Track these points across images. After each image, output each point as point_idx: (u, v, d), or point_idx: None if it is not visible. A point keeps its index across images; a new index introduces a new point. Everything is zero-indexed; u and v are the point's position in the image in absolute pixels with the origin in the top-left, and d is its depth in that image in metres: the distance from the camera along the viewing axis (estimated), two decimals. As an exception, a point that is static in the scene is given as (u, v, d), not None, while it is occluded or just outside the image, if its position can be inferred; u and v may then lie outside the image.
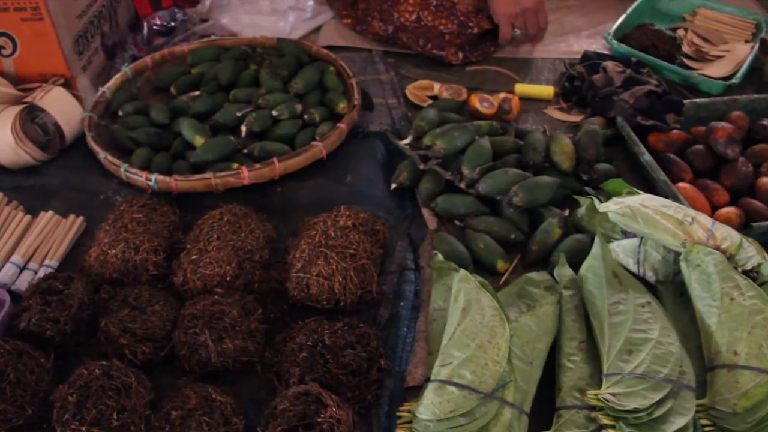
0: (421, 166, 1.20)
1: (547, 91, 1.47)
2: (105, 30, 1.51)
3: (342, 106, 1.34)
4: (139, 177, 1.18)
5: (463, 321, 0.90)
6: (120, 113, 1.36)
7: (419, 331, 1.00)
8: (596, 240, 1.00)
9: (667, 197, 1.15)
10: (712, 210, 1.17)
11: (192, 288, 1.02)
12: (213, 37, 1.57)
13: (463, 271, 0.96)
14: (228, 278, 1.02)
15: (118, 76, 1.44)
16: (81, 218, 1.17)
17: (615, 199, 1.04)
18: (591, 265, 0.99)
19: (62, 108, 1.30)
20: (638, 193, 1.10)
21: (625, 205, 1.01)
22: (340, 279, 0.99)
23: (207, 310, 0.96)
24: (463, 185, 1.18)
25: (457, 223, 1.17)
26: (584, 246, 1.08)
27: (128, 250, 1.05)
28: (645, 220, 1.00)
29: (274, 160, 1.19)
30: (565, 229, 1.10)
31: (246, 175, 1.17)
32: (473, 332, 0.88)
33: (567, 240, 1.09)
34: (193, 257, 1.04)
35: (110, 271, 1.05)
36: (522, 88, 1.48)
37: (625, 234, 1.09)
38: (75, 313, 0.96)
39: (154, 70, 1.50)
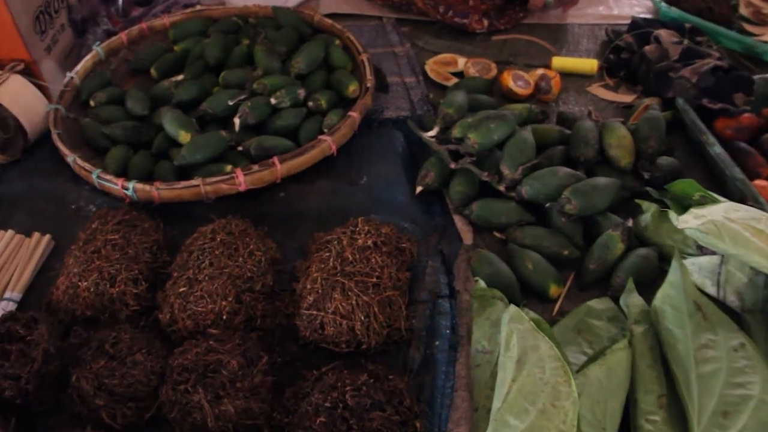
0: (452, 166, 1.00)
1: (589, 65, 1.27)
2: (72, 2, 1.29)
3: (352, 88, 1.14)
4: (115, 185, 0.99)
5: (519, 376, 0.72)
6: (92, 103, 1.16)
7: (459, 376, 0.82)
8: (673, 264, 0.82)
9: (742, 198, 0.97)
10: (797, 212, 0.99)
11: (182, 328, 0.84)
12: (198, 7, 1.35)
13: (513, 309, 0.78)
14: (224, 316, 0.84)
15: (88, 57, 1.23)
16: (47, 237, 0.99)
17: (694, 210, 0.86)
18: (668, 295, 0.81)
19: (22, 100, 1.10)
20: (716, 199, 0.91)
21: (708, 220, 0.82)
22: (362, 317, 0.81)
23: (200, 361, 0.78)
24: (502, 188, 0.99)
25: (496, 234, 0.98)
26: (651, 263, 0.90)
27: (102, 282, 0.87)
28: (732, 238, 0.81)
29: (275, 160, 1.00)
30: (628, 243, 0.92)
31: (241, 180, 0.98)
32: (532, 392, 0.71)
33: (631, 256, 0.91)
34: (181, 290, 0.86)
35: (82, 307, 0.87)
36: (560, 62, 1.27)
37: (701, 249, 0.90)
38: (39, 368, 0.79)
39: (131, 49, 1.29)
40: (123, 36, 1.27)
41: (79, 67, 1.21)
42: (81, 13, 1.32)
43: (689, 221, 0.83)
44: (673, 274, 0.81)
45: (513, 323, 0.77)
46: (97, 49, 1.24)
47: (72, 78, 1.18)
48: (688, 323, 0.77)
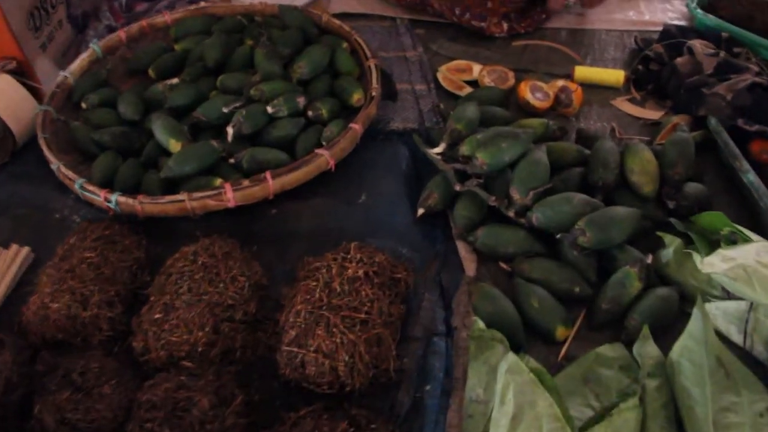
0: (457, 188, 0.93)
1: (615, 76, 1.17)
2: (71, -4, 1.24)
3: (357, 97, 1.07)
4: (97, 197, 0.93)
5: (513, 437, 0.65)
6: (83, 105, 1.11)
7: (451, 425, 0.75)
8: (695, 313, 0.73)
9: (776, 233, 0.88)
10: (839, 251, 0.89)
11: (155, 358, 0.78)
12: (203, 4, 1.29)
13: (511, 358, 0.70)
14: (200, 348, 0.78)
15: (84, 55, 1.18)
16: (26, 249, 0.93)
17: (722, 251, 0.77)
18: (687, 347, 0.72)
19: (10, 101, 1.05)
20: (746, 236, 0.82)
21: (738, 264, 0.74)
22: (346, 357, 0.74)
23: (169, 398, 0.72)
24: (511, 214, 0.91)
25: (502, 265, 0.90)
26: (671, 305, 0.82)
27: (74, 304, 0.81)
28: (764, 285, 0.73)
29: (267, 175, 0.93)
30: (646, 281, 0.83)
31: (230, 196, 0.92)
32: (527, 457, 0.63)
33: (648, 296, 0.82)
34: (156, 316, 0.80)
35: (53, 330, 0.81)
36: (583, 72, 1.18)
37: (728, 293, 0.82)
38: (0, 398, 0.74)
39: (129, 47, 1.23)
40: (122, 33, 1.22)
41: (74, 65, 1.15)
42: (81, 7, 1.27)
43: (715, 264, 0.75)
44: (693, 324, 0.73)
45: (510, 374, 0.69)
46: (94, 47, 1.18)
47: (66, 77, 1.13)
48: (708, 382, 0.69)
